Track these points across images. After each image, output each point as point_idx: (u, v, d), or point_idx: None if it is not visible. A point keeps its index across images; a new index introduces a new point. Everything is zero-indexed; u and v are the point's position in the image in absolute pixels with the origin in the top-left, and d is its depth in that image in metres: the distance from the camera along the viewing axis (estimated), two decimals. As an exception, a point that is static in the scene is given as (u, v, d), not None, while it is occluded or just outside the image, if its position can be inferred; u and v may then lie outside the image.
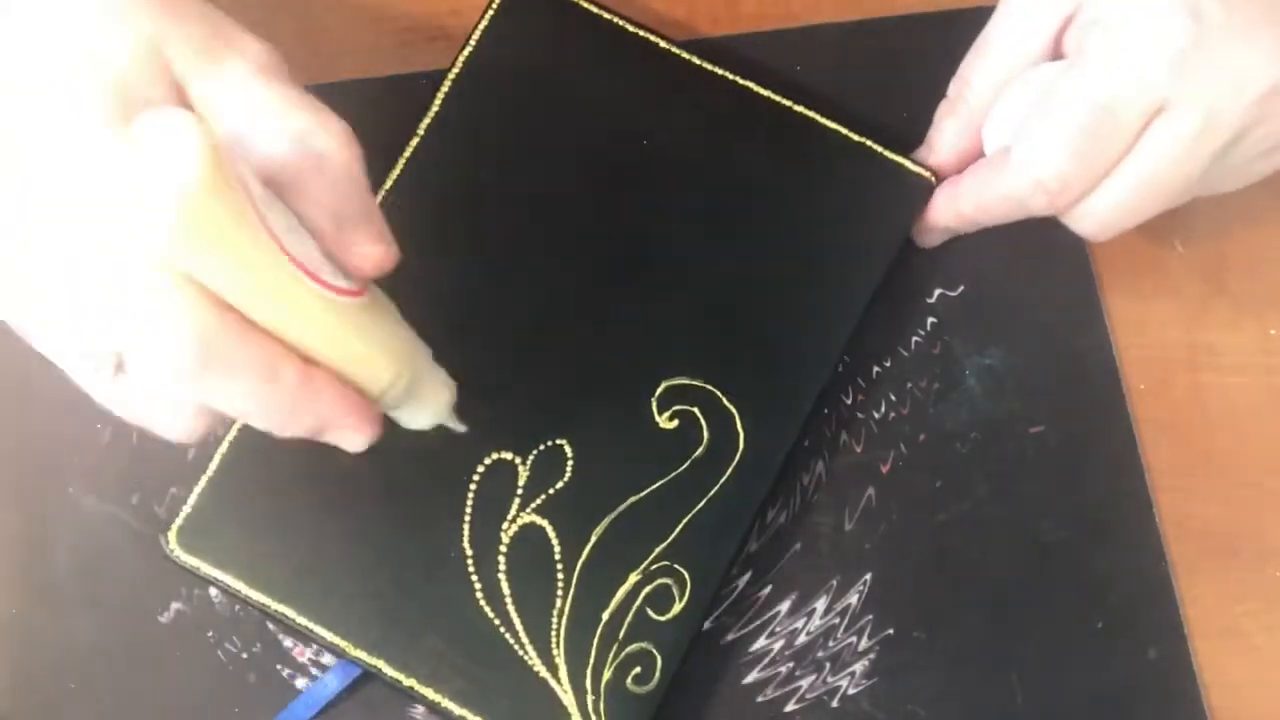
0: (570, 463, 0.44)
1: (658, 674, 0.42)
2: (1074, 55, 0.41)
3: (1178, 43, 0.39)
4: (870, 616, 0.45)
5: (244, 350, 0.30)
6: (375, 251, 0.34)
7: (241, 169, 0.30)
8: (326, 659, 0.44)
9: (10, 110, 0.33)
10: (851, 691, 0.44)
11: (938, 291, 0.48)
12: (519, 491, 0.43)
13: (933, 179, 0.46)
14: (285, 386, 0.31)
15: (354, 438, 0.34)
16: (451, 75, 0.47)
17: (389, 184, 0.46)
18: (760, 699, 0.44)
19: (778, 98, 0.47)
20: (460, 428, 0.40)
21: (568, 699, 0.42)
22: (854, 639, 0.45)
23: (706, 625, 0.44)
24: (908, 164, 0.46)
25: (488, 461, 0.44)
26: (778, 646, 0.45)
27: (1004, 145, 0.44)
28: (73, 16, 0.33)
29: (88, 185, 0.31)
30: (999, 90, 0.44)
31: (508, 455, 0.44)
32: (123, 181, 0.29)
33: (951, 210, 0.46)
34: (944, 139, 0.46)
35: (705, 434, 0.44)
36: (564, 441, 0.44)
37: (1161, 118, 0.40)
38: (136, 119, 0.29)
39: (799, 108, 0.47)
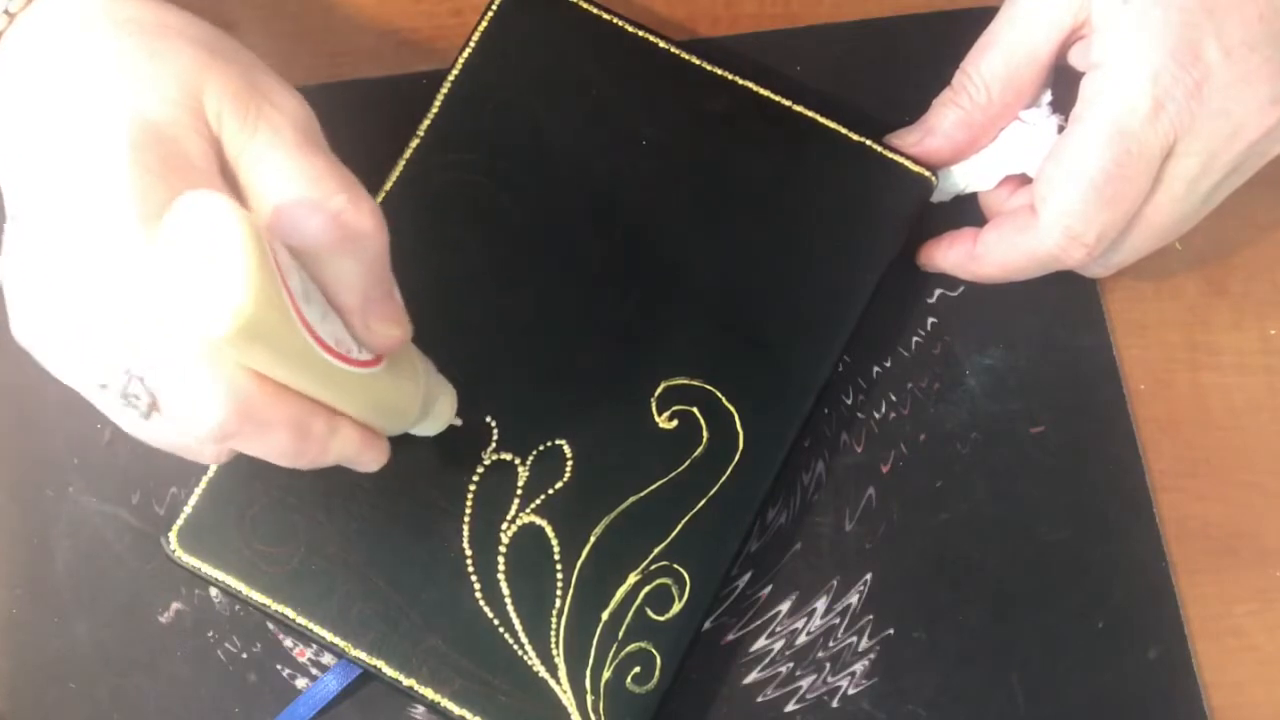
0: (570, 463, 0.44)
1: (657, 674, 0.42)
2: (1083, 106, 0.42)
3: (1186, 88, 0.40)
4: (870, 616, 0.45)
5: (277, 411, 0.32)
6: (395, 333, 0.35)
7: (283, 257, 0.30)
8: (326, 659, 0.44)
9: (38, 155, 0.32)
10: (851, 691, 0.44)
11: (938, 291, 0.48)
12: (518, 492, 0.43)
13: (932, 178, 0.46)
14: (313, 439, 0.33)
15: (369, 466, 0.36)
16: (451, 75, 0.47)
17: (389, 184, 0.46)
18: (760, 699, 0.44)
19: (778, 98, 0.47)
20: (459, 423, 0.42)
21: (567, 699, 0.42)
22: (854, 639, 0.45)
23: (707, 625, 0.44)
24: (908, 164, 0.46)
25: (487, 462, 0.44)
26: (778, 646, 0.45)
27: (995, 180, 0.46)
28: (104, 49, 0.33)
29: (122, 266, 0.31)
30: (1002, 87, 0.44)
31: (507, 455, 0.44)
32: (168, 274, 0.29)
33: (969, 272, 0.47)
34: (943, 126, 0.46)
35: (705, 434, 0.44)
36: (563, 442, 0.44)
37: (1170, 161, 0.41)
38: (178, 201, 0.28)
39: (799, 108, 0.47)
